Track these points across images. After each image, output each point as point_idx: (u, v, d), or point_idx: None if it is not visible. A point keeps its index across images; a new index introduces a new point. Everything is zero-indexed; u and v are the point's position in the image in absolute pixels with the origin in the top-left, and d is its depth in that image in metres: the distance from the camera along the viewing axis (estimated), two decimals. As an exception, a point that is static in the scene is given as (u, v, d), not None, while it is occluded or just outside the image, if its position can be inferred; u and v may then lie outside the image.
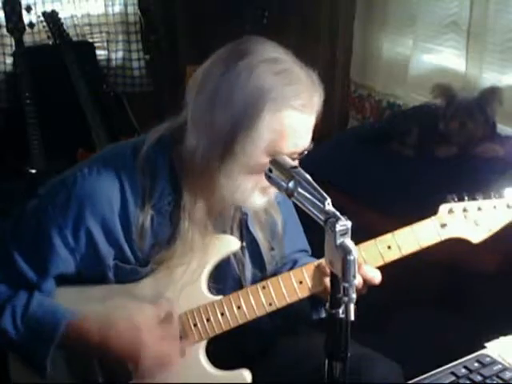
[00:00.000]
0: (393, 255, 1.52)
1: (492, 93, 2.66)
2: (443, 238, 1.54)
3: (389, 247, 1.52)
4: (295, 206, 1.51)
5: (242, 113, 1.34)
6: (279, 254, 1.63)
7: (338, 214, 0.99)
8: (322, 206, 1.01)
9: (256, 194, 1.43)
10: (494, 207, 1.55)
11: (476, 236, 1.56)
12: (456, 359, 1.35)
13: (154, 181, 1.44)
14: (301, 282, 1.51)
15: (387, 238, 1.53)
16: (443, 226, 1.54)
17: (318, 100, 1.40)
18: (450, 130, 2.70)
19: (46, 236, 1.44)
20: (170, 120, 1.49)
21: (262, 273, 1.60)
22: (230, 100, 1.34)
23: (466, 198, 1.55)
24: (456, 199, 1.55)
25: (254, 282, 1.57)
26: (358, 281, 1.45)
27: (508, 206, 1.55)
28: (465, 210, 1.55)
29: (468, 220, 1.55)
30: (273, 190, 1.44)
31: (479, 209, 1.55)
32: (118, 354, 1.42)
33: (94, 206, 1.42)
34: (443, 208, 1.55)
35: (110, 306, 1.46)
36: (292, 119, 1.35)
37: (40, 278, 1.48)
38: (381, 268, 1.51)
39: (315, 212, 1.02)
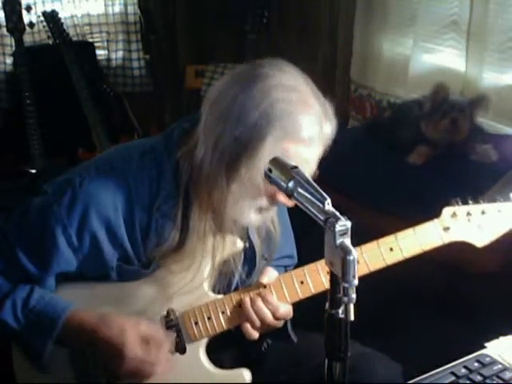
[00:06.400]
0: (395, 257, 1.51)
1: (481, 100, 2.64)
2: (446, 242, 1.53)
3: (391, 249, 1.50)
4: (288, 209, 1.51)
5: (248, 135, 1.34)
6: (268, 263, 1.63)
7: (337, 214, 0.99)
8: (321, 205, 1.01)
9: (252, 213, 1.44)
10: (499, 211, 1.53)
11: (480, 240, 1.54)
12: (456, 359, 1.35)
13: (159, 183, 1.45)
14: (302, 283, 1.51)
15: (389, 239, 1.51)
16: (446, 229, 1.52)
17: (329, 131, 1.40)
18: (436, 129, 2.68)
19: (50, 234, 1.44)
20: (182, 124, 1.50)
21: (248, 278, 1.60)
22: (239, 121, 1.34)
23: (470, 201, 1.53)
24: (460, 202, 1.53)
25: (237, 286, 1.58)
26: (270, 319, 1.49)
27: (513, 210, 1.51)
28: (468, 214, 1.52)
29: (471, 224, 1.52)
30: (271, 212, 1.46)
31: (483, 212, 1.53)
32: (103, 347, 1.45)
33: (99, 209, 1.43)
34: (446, 211, 1.53)
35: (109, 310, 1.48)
36: (296, 151, 1.35)
37: (41, 274, 1.49)
38: (381, 267, 1.51)
39: (315, 212, 1.02)
